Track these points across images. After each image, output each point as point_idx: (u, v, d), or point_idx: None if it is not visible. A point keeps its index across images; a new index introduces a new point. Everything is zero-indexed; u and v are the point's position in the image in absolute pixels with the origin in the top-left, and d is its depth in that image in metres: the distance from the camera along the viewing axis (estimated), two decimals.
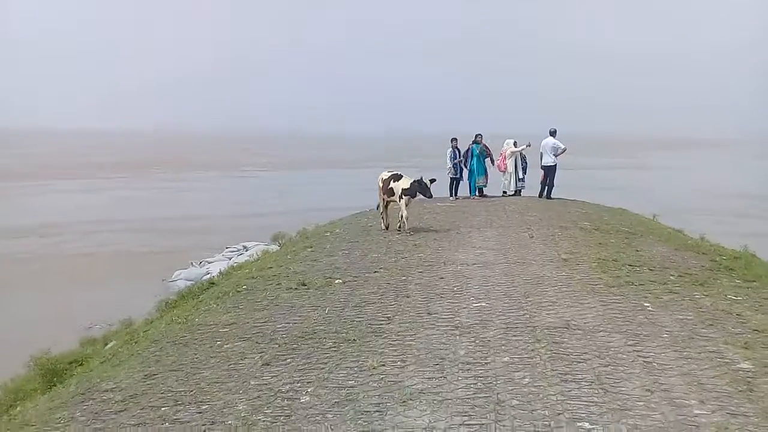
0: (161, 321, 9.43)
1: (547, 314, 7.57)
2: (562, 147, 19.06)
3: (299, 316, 7.99)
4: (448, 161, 19.39)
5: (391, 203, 14.28)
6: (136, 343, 8.54)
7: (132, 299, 16.62)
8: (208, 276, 19.84)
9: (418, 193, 13.68)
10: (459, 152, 19.46)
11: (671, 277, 9.52)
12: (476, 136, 19.46)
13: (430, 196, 13.90)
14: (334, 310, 8.15)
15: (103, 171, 59.60)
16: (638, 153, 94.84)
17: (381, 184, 14.22)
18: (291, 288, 9.48)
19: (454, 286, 9.05)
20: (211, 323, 8.03)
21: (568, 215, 15.74)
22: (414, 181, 13.63)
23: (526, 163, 20.06)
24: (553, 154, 19.10)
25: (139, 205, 37.44)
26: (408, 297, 8.57)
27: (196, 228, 30.47)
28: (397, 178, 13.90)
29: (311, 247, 13.12)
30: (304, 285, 9.55)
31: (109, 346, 10.31)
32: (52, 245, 26.04)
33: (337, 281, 9.76)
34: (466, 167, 19.43)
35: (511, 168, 19.36)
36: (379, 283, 9.53)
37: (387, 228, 14.31)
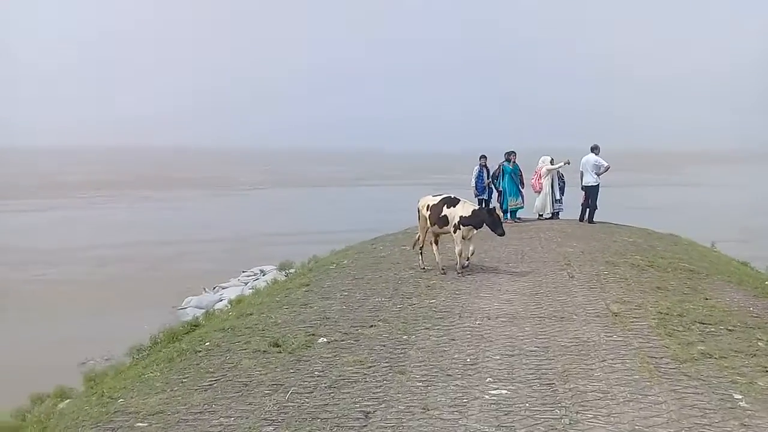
0: (94, 393, 7.26)
1: (595, 418, 5.14)
2: (605, 165, 16.53)
3: (249, 404, 5.72)
4: (473, 180, 16.99)
5: (439, 235, 11.31)
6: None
7: (137, 330, 14.62)
8: (222, 303, 17.92)
9: (479, 224, 10.72)
10: (488, 171, 17.06)
11: (760, 344, 6.99)
12: (509, 153, 17.08)
13: (502, 233, 10.67)
14: (300, 394, 5.86)
15: (119, 188, 57.90)
16: (684, 169, 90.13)
17: (426, 212, 11.07)
18: (259, 350, 7.22)
19: (468, 356, 6.67)
20: (132, 410, 5.80)
21: (614, 246, 13.18)
22: (479, 208, 11.04)
23: (563, 182, 17.52)
24: (595, 173, 16.59)
25: (150, 226, 35.45)
26: (403, 374, 6.23)
27: (214, 250, 28.50)
28: (451, 202, 10.83)
29: (308, 284, 10.87)
30: (278, 346, 7.29)
31: (61, 405, 8.26)
32: (59, 270, 24.30)
33: (320, 339, 7.48)
34: (497, 189, 17.02)
35: (546, 188, 16.82)
36: (372, 344, 7.22)
37: (425, 269, 11.15)
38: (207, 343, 7.85)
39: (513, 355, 6.65)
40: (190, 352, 7.59)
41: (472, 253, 10.97)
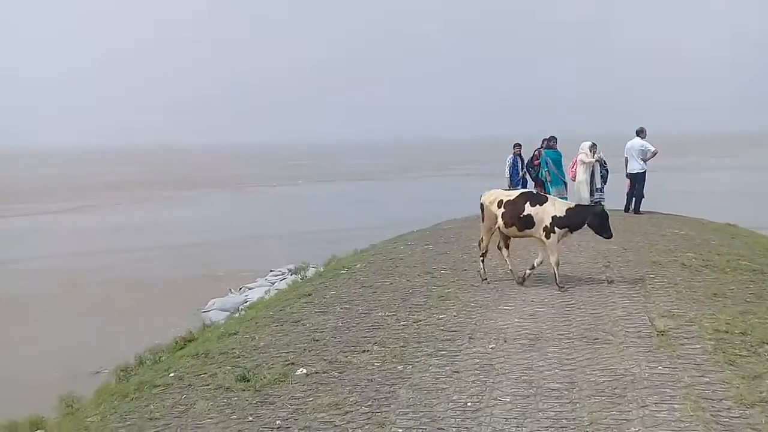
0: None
1: None
2: (652, 149, 14.80)
3: None
4: (507, 170, 15.44)
5: (510, 239, 9.23)
6: None
7: (159, 333, 13.68)
8: (246, 304, 16.89)
9: (579, 226, 8.76)
10: (523, 161, 15.48)
11: None
12: (549, 140, 15.44)
13: (610, 236, 8.76)
14: None
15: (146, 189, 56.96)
16: (740, 151, 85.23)
17: (497, 209, 8.94)
18: (223, 387, 5.93)
19: (470, 398, 5.24)
20: None
21: (662, 241, 11.47)
22: (575, 206, 9.02)
23: (606, 169, 15.70)
24: (642, 159, 14.86)
25: (176, 226, 34.52)
26: (382, 427, 4.85)
27: (243, 248, 27.49)
28: (536, 199, 8.88)
29: (310, 294, 9.55)
30: (246, 380, 5.99)
31: None
32: (81, 271, 23.60)
33: (299, 371, 6.15)
34: (533, 179, 15.40)
35: (582, 175, 14.99)
36: (358, 378, 5.86)
37: (487, 280, 9.20)
38: (171, 374, 6.63)
39: (528, 396, 5.19)
40: (148, 386, 6.36)
41: (540, 264, 8.96)
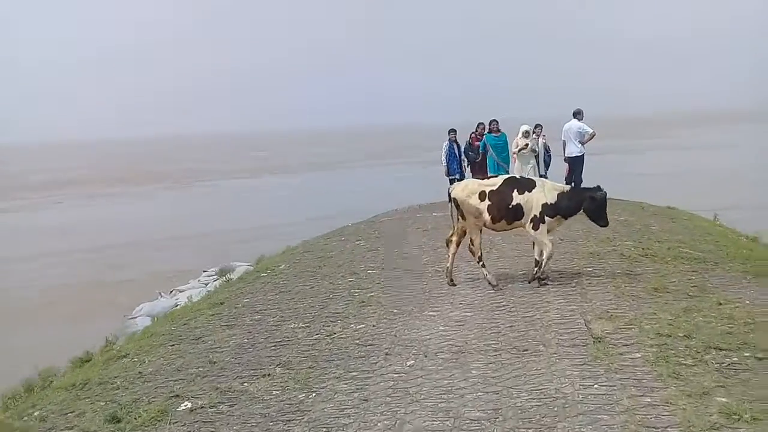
0: None
1: None
2: (590, 131, 14.11)
3: None
4: (443, 158, 14.66)
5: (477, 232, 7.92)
6: None
7: (82, 343, 12.36)
8: (178, 307, 15.66)
9: (573, 212, 7.82)
10: (459, 147, 14.73)
11: None
12: (491, 123, 14.66)
13: (606, 224, 7.99)
14: None
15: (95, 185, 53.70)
16: (674, 131, 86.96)
17: (481, 203, 7.67)
18: (89, 431, 4.94)
19: None
20: None
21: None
22: (569, 189, 7.95)
23: (549, 154, 15.09)
24: (579, 142, 14.19)
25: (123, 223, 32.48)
26: None
27: (190, 247, 25.86)
28: (523, 185, 7.75)
29: (222, 302, 8.57)
30: (117, 421, 5.00)
31: None
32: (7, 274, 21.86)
33: (183, 405, 5.19)
34: (472, 163, 14.67)
35: (516, 165, 14.27)
36: (250, 413, 4.94)
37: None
38: (36, 413, 5.56)
39: (444, 431, 4.35)
40: (5, 430, 5.30)
41: (549, 258, 7.69)
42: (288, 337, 6.63)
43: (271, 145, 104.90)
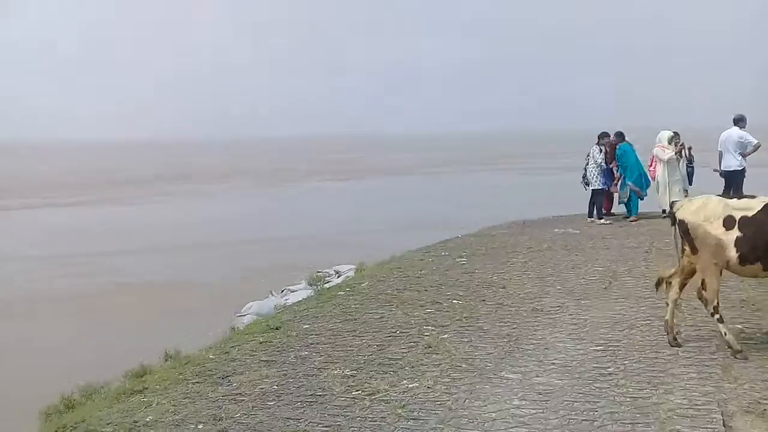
0: None
1: None
2: (754, 142, 11.63)
3: None
4: (593, 166, 12.53)
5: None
6: None
7: (194, 339, 11.98)
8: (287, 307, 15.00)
9: None
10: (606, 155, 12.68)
11: None
12: (616, 134, 12.70)
13: None
14: None
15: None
16: None
17: (723, 233, 5.36)
18: None
19: None
20: None
21: None
22: None
23: (692, 166, 12.62)
24: (740, 154, 11.68)
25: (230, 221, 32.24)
26: None
27: (302, 245, 25.28)
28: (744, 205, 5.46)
29: (277, 328, 7.32)
30: None
31: None
32: (127, 273, 22.14)
33: None
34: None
35: (662, 176, 11.96)
36: None
37: (677, 341, 5.71)
38: None
39: None
40: None
41: None
42: (322, 391, 5.21)
43: (415, 148, 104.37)
